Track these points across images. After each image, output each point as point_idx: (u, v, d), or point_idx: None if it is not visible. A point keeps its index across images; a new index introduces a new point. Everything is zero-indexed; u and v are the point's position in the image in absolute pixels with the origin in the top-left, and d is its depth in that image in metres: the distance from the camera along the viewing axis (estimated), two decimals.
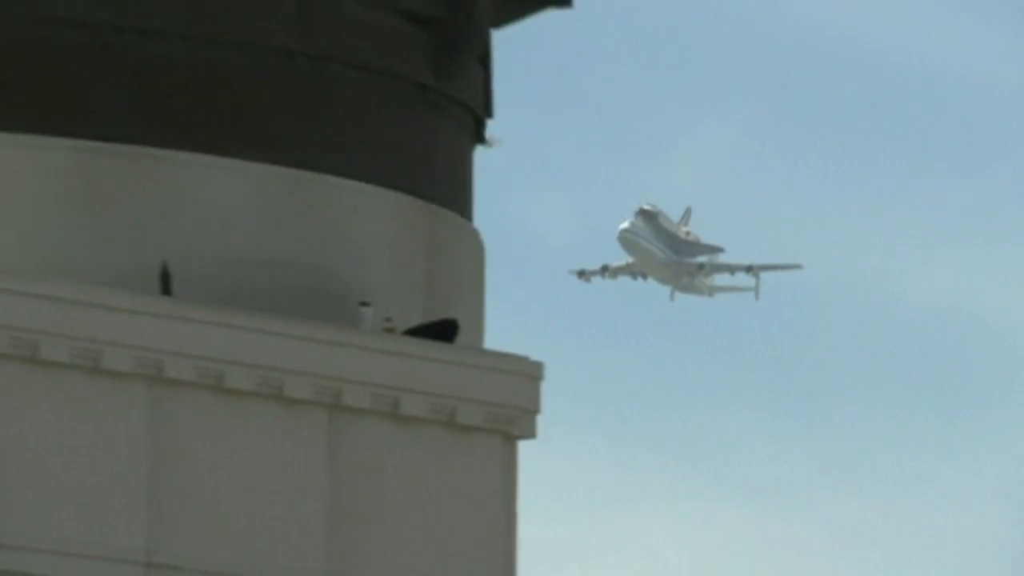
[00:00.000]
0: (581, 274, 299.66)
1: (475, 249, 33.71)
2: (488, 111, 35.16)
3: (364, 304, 30.01)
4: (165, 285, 28.18)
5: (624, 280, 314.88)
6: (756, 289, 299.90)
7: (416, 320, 30.92)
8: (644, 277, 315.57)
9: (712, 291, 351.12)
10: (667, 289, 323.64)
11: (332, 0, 31.91)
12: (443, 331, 30.62)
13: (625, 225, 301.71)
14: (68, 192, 29.70)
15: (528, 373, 30.27)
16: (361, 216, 31.79)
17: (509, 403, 29.82)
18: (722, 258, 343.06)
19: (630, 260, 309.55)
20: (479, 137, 35.73)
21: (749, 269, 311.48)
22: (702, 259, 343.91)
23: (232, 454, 28.13)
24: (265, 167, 30.47)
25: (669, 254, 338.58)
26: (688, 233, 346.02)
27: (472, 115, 34.51)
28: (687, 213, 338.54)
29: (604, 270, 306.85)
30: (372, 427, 28.92)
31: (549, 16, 35.06)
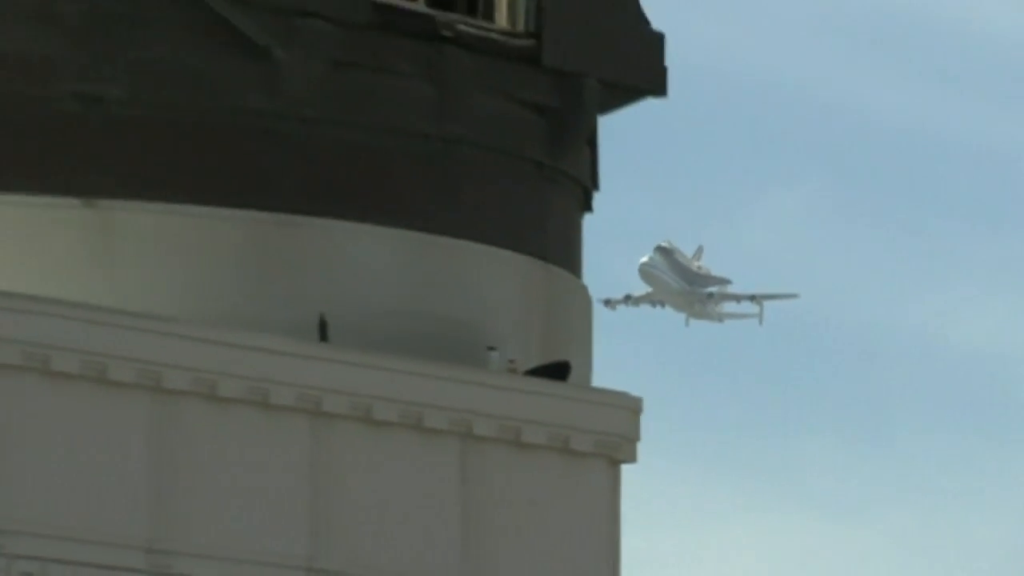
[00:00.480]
0: (607, 303, 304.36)
1: (584, 302, 33.78)
2: (595, 184, 35.09)
3: (491, 348, 30.38)
4: (323, 333, 28.66)
5: (645, 307, 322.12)
6: (760, 316, 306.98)
7: (535, 362, 31.08)
8: (662, 305, 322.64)
9: (722, 317, 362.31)
10: (682, 316, 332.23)
11: (464, 92, 32.04)
12: (558, 371, 30.85)
13: (644, 259, 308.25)
14: (243, 255, 30.00)
15: (630, 407, 30.49)
16: (488, 274, 31.98)
17: (614, 432, 30.07)
18: (729, 288, 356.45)
19: (649, 290, 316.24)
20: (587, 206, 35.18)
21: (752, 298, 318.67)
22: (712, 289, 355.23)
23: (380, 478, 28.87)
24: (407, 233, 30.76)
25: (683, 285, 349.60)
26: (700, 267, 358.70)
27: (581, 187, 34.56)
28: (699, 250, 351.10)
29: (627, 299, 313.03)
30: (498, 453, 29.28)
31: (648, 103, 35.10)
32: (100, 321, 26.45)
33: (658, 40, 34.50)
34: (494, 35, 32.39)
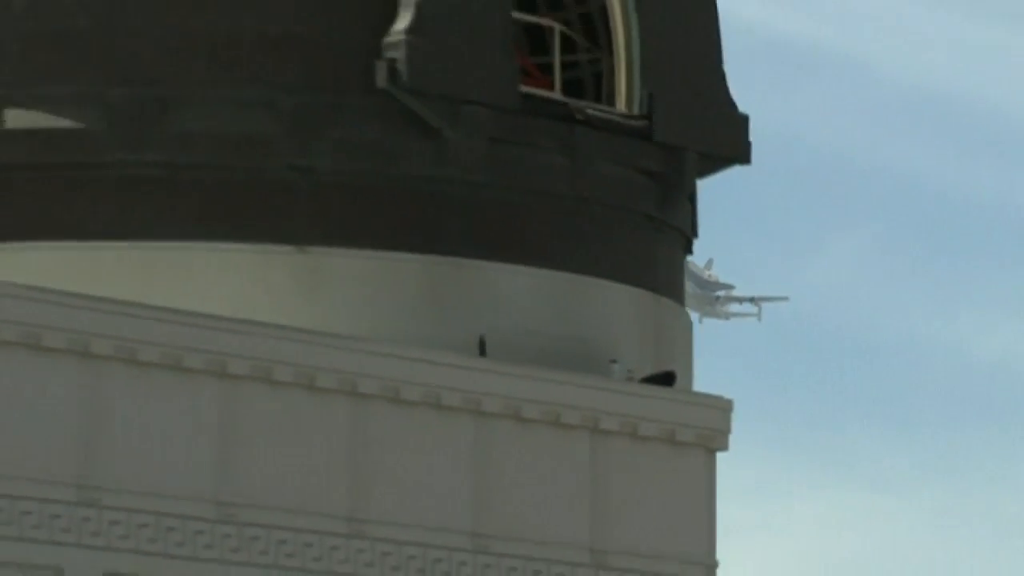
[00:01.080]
0: None
1: (686, 325, 35.08)
2: (694, 232, 35.87)
3: (613, 361, 31.19)
4: (482, 349, 29.84)
5: None
6: (759, 314, 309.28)
7: (647, 371, 32.30)
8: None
9: (728, 316, 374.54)
10: (696, 315, 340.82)
11: (591, 162, 32.77)
12: (666, 379, 31.90)
13: None
14: (421, 290, 31.00)
15: (722, 406, 31.67)
16: (611, 304, 32.80)
17: (710, 426, 31.06)
18: (733, 292, 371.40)
19: None
20: (688, 249, 36.16)
21: (752, 300, 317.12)
22: (719, 293, 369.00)
23: (527, 466, 29.83)
24: (546, 271, 31.69)
25: (695, 289, 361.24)
26: (710, 275, 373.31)
27: (683, 235, 35.51)
28: (710, 262, 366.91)
29: None
30: (619, 444, 30.42)
31: (735, 169, 35.75)
32: (311, 341, 26.90)
33: (744, 120, 35.03)
34: (615, 117, 32.76)
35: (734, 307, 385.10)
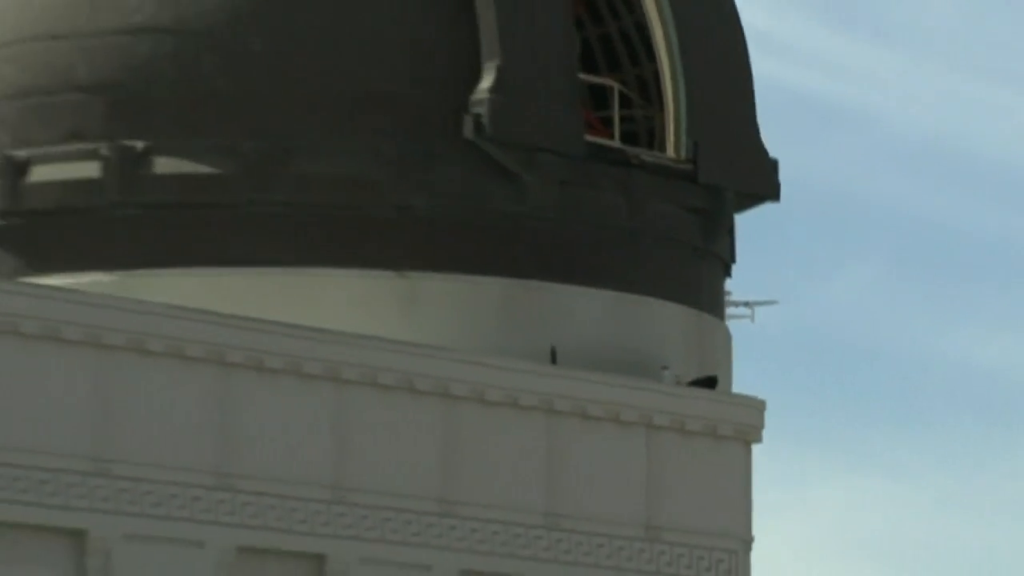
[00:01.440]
0: None
1: (726, 338, 35.81)
2: (732, 259, 36.96)
3: (664, 368, 31.96)
4: (553, 358, 30.62)
5: None
6: (752, 316, 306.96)
7: (693, 376, 33.26)
8: None
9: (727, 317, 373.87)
10: None
11: (645, 201, 33.34)
12: (709, 382, 32.61)
13: None
14: (501, 309, 31.71)
15: (757, 406, 32.49)
16: (662, 320, 33.51)
17: (747, 423, 31.93)
18: (728, 298, 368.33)
19: None
20: (728, 273, 37.01)
21: (746, 304, 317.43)
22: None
23: (592, 460, 30.10)
24: (610, 293, 32.39)
25: None
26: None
27: (724, 262, 36.20)
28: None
29: None
30: (669, 438, 31.17)
31: (768, 206, 36.26)
32: (410, 351, 27.95)
33: (774, 164, 35.84)
34: (665, 161, 33.62)
35: (731, 310, 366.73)
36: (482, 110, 29.83)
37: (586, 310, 31.44)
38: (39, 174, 30.23)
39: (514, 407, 28.99)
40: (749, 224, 37.27)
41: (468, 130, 29.86)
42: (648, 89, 33.93)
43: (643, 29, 33.04)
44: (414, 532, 27.89)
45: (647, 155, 32.57)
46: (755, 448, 32.83)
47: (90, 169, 30.04)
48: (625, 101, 33.95)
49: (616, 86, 33.11)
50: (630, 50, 33.92)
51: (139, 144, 30.22)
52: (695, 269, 34.08)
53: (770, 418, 36.70)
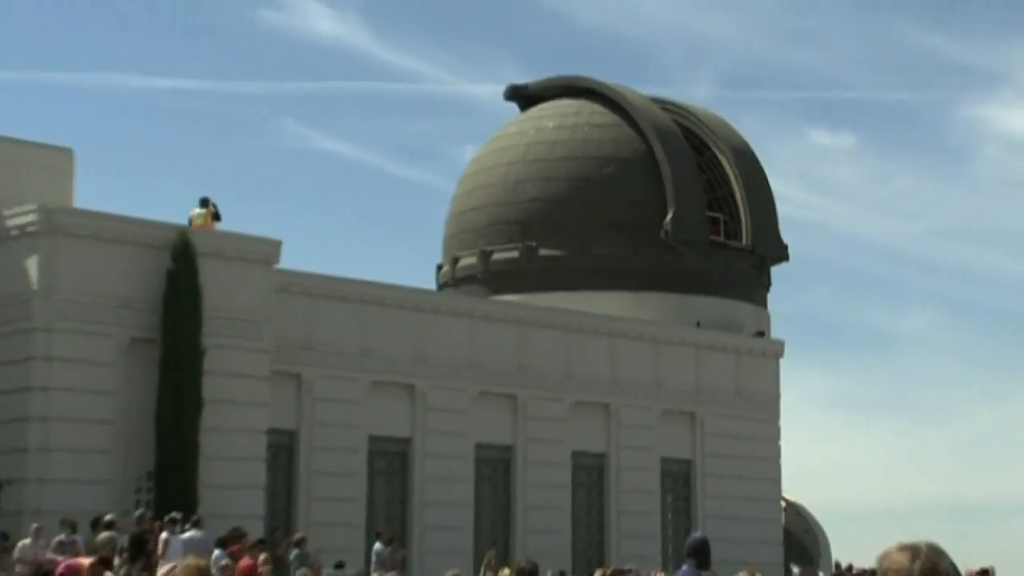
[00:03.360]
0: None
1: (767, 318, 46.92)
2: (769, 286, 47.66)
3: (760, 333, 45.44)
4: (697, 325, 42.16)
5: None
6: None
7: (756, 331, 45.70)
8: None
9: None
10: None
11: (730, 264, 45.45)
12: (759, 335, 45.05)
13: None
14: (672, 312, 43.61)
15: (774, 352, 45.37)
16: (745, 310, 46.31)
17: (776, 349, 44.85)
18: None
19: None
20: (768, 290, 47.45)
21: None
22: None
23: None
24: (723, 300, 44.57)
25: None
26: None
27: (766, 287, 47.47)
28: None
29: None
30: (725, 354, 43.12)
31: (784, 264, 48.60)
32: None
33: (786, 246, 47.61)
34: (740, 246, 45.97)
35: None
36: (668, 227, 43.65)
37: (717, 307, 45.26)
38: (497, 256, 44.48)
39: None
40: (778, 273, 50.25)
41: (665, 235, 43.84)
42: (733, 213, 47.00)
43: (727, 183, 46.85)
44: None
45: (734, 243, 46.39)
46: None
47: (512, 252, 44.14)
48: (715, 218, 46.73)
49: (720, 216, 46.41)
50: (721, 191, 46.65)
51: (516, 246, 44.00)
52: (755, 288, 47.14)
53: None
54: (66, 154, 31.67)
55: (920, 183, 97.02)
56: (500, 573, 18.96)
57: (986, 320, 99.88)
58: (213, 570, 22.07)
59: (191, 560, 9.67)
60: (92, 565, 17.09)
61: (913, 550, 3.97)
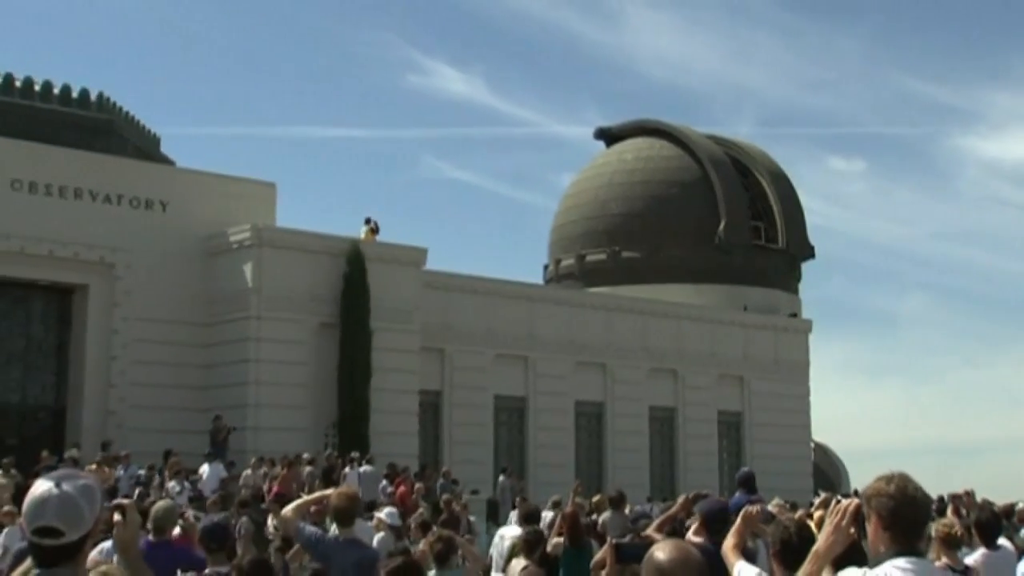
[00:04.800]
0: None
1: (799, 303, 45.18)
2: (799, 279, 45.96)
3: (793, 315, 43.24)
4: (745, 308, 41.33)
5: None
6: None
7: (790, 312, 43.44)
8: None
9: None
10: None
11: (771, 265, 43.04)
12: (793, 315, 42.56)
13: None
14: (726, 296, 42.19)
15: (804, 328, 42.98)
16: (782, 298, 44.30)
17: (806, 327, 42.97)
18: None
19: None
20: (799, 282, 45.27)
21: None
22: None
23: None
24: (766, 289, 42.83)
25: None
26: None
27: (797, 280, 45.55)
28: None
29: None
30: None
31: (813, 261, 46.66)
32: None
33: (813, 247, 45.76)
34: (777, 247, 44.44)
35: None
36: (721, 234, 42.90)
37: (759, 294, 43.04)
38: (589, 258, 43.55)
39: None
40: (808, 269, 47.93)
41: (719, 240, 43.15)
42: (771, 221, 45.18)
43: (766, 198, 45.18)
44: None
45: (772, 245, 45.02)
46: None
47: (600, 254, 43.52)
48: (757, 227, 44.85)
49: (761, 224, 44.68)
50: (761, 205, 44.81)
51: (604, 251, 42.75)
52: (789, 280, 45.75)
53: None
54: (271, 187, 32.15)
55: (915, 197, 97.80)
56: (592, 499, 19.06)
57: (968, 302, 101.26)
58: (381, 496, 23.40)
59: (342, 489, 9.62)
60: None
61: (888, 477, 3.95)
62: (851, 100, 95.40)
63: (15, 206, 27.19)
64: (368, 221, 32.40)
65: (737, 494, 12.22)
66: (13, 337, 28.34)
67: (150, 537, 8.32)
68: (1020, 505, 15.53)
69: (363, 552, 8.05)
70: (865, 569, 3.85)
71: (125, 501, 3.99)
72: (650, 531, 8.58)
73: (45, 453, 23.41)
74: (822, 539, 4.01)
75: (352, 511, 8.23)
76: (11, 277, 27.61)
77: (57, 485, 3.21)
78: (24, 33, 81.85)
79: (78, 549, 3.17)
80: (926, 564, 3.88)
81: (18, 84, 29.63)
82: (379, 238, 32.03)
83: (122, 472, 23.07)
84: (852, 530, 3.97)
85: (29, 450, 24.62)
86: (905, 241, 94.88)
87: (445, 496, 22.92)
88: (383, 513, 16.11)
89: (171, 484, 22.11)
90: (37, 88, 29.81)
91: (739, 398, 40.63)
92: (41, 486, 3.22)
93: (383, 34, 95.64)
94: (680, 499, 9.42)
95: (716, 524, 7.66)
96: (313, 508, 9.72)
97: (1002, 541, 8.82)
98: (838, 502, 4.25)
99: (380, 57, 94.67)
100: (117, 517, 3.73)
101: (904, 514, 3.80)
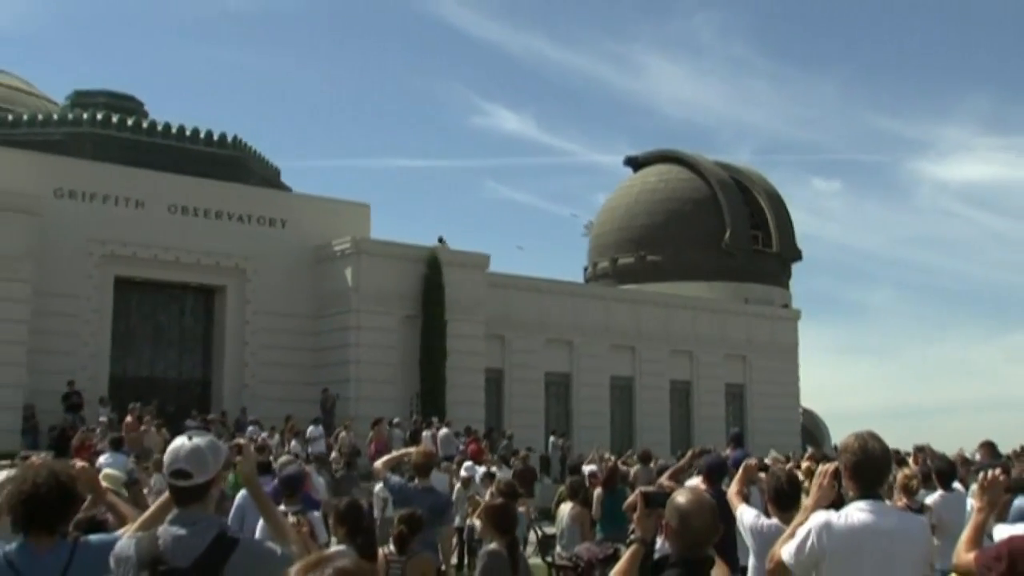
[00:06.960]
0: None
1: (789, 295, 42.33)
2: (790, 277, 42.75)
3: (785, 306, 40.60)
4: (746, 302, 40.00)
5: None
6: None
7: (783, 302, 40.72)
8: None
9: None
10: None
11: (766, 265, 40.84)
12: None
13: None
14: (734, 291, 39.96)
15: (794, 317, 40.35)
16: (776, 292, 41.68)
17: (794, 315, 40.07)
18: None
19: None
20: (789, 278, 41.93)
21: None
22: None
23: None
24: (763, 285, 40.76)
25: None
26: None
27: (787, 278, 42.76)
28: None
29: None
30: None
31: (801, 262, 44.09)
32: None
33: (800, 251, 43.31)
34: (772, 251, 41.95)
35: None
36: (726, 241, 41.03)
37: (758, 290, 41.48)
38: (621, 261, 41.39)
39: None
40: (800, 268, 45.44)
41: (728, 246, 41.27)
42: (767, 231, 42.71)
43: (763, 213, 42.59)
44: None
45: (768, 250, 42.55)
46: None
47: (629, 258, 41.93)
48: (756, 235, 42.46)
49: (759, 233, 42.33)
50: (759, 217, 42.36)
51: (633, 255, 40.94)
52: (781, 278, 43.32)
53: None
54: (366, 207, 31.66)
55: (882, 211, 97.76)
56: (625, 457, 18.56)
57: (925, 295, 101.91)
58: (455, 453, 23.25)
59: (420, 447, 9.45)
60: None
61: (858, 434, 3.87)
62: (830, 133, 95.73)
63: (172, 226, 28.06)
64: (441, 240, 32.00)
65: (728, 449, 12.04)
66: (170, 326, 29.08)
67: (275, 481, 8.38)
68: (967, 454, 15.32)
69: (436, 497, 8.06)
70: (831, 511, 3.81)
71: (242, 441, 3.99)
72: (664, 479, 8.56)
73: (191, 416, 24.49)
74: (811, 496, 3.95)
75: (428, 465, 8.28)
76: (169, 280, 28.46)
77: (190, 438, 3.28)
78: (174, 88, 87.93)
79: (205, 491, 3.16)
80: (881, 505, 3.82)
81: (173, 131, 30.63)
82: (450, 246, 31.51)
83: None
84: (834, 486, 3.90)
85: (183, 415, 25.40)
86: (874, 246, 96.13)
87: (523, 452, 22.75)
88: (464, 467, 16.46)
89: (293, 443, 22.78)
90: (187, 133, 30.77)
91: (742, 373, 39.43)
92: (179, 440, 3.31)
93: (454, 84, 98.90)
94: (688, 454, 9.39)
95: (716, 475, 7.76)
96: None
97: (956, 485, 8.73)
98: (826, 461, 4.30)
99: (451, 102, 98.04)
100: (238, 457, 3.66)
101: (866, 466, 3.77)
